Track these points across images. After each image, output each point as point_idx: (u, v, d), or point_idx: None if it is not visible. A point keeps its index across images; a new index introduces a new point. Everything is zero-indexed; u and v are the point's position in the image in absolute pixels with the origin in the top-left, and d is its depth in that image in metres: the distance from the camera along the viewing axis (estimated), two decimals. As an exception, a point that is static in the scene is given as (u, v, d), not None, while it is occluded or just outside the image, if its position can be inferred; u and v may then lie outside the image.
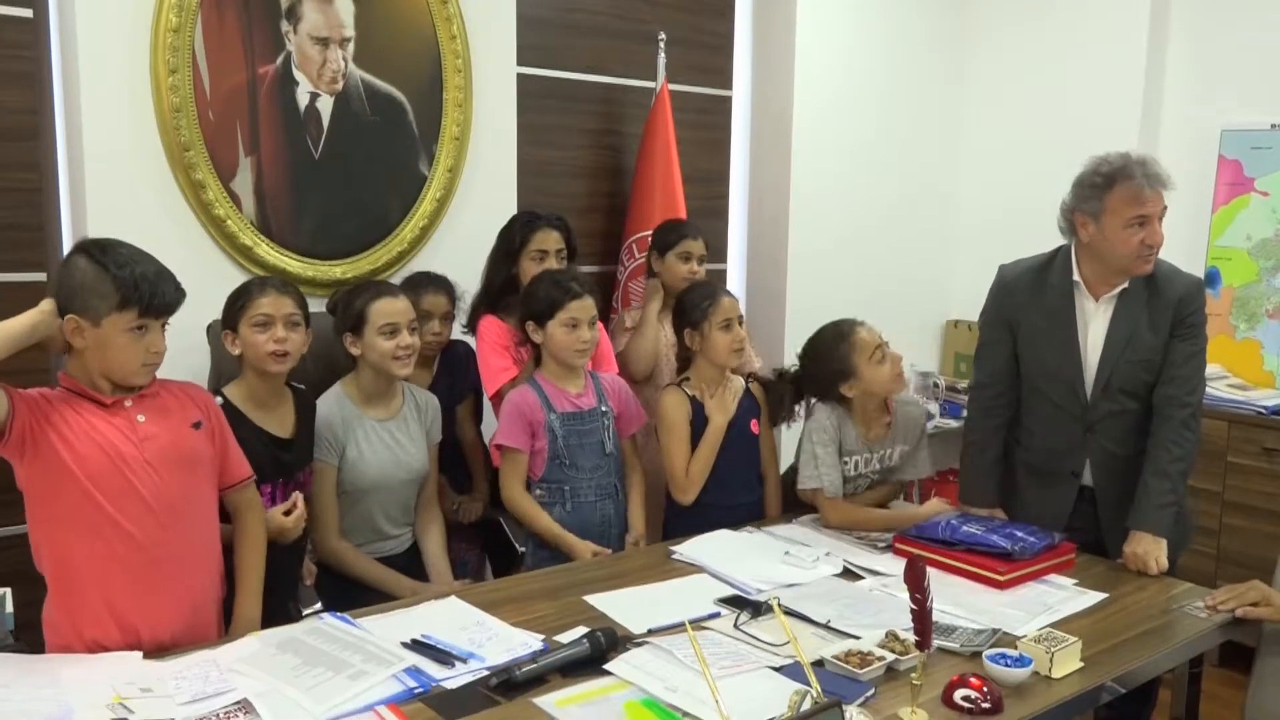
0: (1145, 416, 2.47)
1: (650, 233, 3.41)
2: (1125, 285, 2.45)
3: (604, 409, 2.62)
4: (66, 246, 2.69)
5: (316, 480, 2.39)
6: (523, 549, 2.65)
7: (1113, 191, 2.35)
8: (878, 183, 4.33)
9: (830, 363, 2.63)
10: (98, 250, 1.85)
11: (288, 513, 2.23)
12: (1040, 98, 4.33)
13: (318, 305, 2.77)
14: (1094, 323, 2.48)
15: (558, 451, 2.54)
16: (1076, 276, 2.49)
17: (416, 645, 1.86)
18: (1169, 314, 2.42)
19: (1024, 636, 1.90)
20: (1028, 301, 2.55)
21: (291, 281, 2.83)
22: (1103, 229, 2.38)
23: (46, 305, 1.84)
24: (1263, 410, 3.55)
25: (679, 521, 2.69)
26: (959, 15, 4.55)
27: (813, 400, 2.74)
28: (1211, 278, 3.99)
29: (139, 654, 1.83)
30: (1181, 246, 3.90)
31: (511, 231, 2.91)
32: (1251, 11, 3.89)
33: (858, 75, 4.22)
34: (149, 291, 1.84)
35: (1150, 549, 2.34)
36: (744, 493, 2.74)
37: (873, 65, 4.27)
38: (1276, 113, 3.82)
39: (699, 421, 2.67)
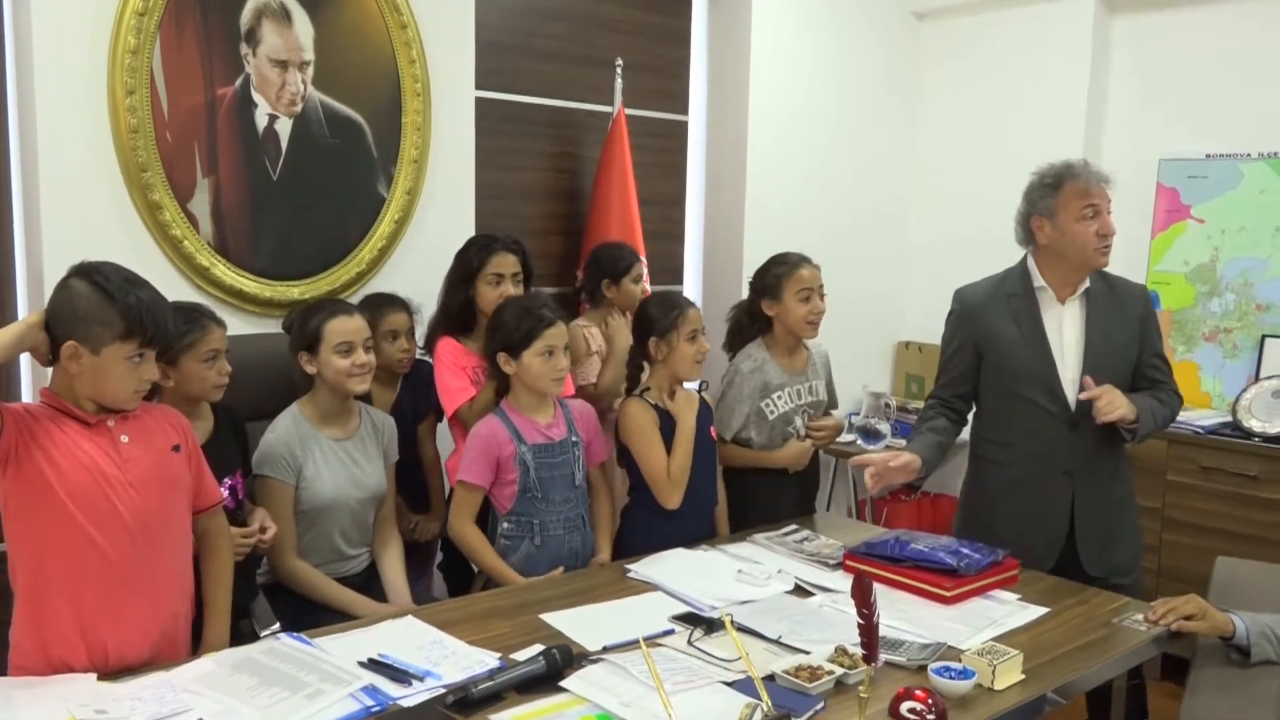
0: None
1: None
2: (1087, 285, 2.59)
3: (574, 439, 2.58)
4: (21, 268, 2.69)
5: (274, 500, 2.40)
6: (477, 570, 2.66)
7: (1063, 189, 2.54)
8: (831, 207, 4.42)
9: (765, 276, 2.94)
10: (100, 277, 1.84)
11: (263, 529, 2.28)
12: (987, 127, 4.45)
13: (273, 326, 2.79)
14: (1066, 323, 2.60)
15: (529, 485, 2.49)
16: (1040, 283, 2.61)
17: (373, 664, 1.87)
18: (1134, 312, 2.62)
19: (968, 650, 1.95)
20: (992, 316, 2.66)
21: (250, 301, 2.87)
22: (1059, 226, 2.54)
23: (34, 318, 1.84)
24: (1200, 430, 3.66)
25: (645, 533, 2.68)
26: (910, 47, 4.67)
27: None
28: (1151, 301, 4.11)
29: (94, 675, 1.83)
30: (1123, 271, 4.02)
31: (468, 255, 2.91)
32: (1187, 46, 4.03)
33: (811, 102, 4.32)
34: (153, 324, 1.85)
35: (1115, 399, 2.44)
36: (709, 498, 2.80)
37: (826, 93, 4.37)
38: (1211, 143, 3.96)
39: (666, 429, 2.68)
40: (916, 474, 2.60)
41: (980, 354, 2.69)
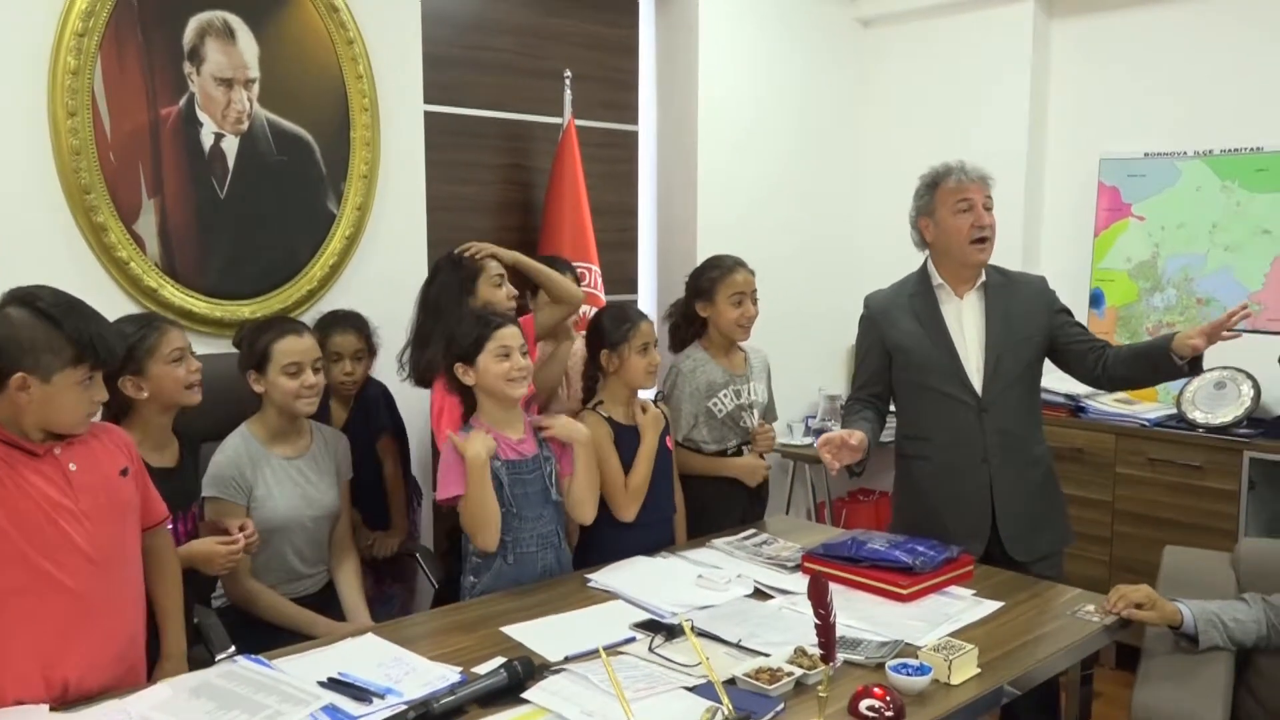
0: (1029, 394, 2.71)
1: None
2: (984, 279, 2.70)
3: (546, 454, 2.51)
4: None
5: (225, 521, 2.37)
6: (436, 586, 2.64)
7: (938, 189, 2.69)
8: (782, 213, 4.47)
9: (700, 279, 3.00)
10: (40, 303, 1.80)
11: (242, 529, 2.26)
12: (932, 131, 4.52)
13: (224, 346, 2.77)
14: (966, 315, 2.70)
15: (504, 500, 2.40)
16: (938, 280, 2.72)
17: (333, 683, 1.86)
18: (1036, 302, 2.71)
19: (924, 646, 1.98)
20: (896, 317, 2.75)
21: (199, 321, 2.84)
22: (938, 223, 2.68)
23: None
24: (1146, 423, 3.74)
25: (605, 544, 2.67)
26: (856, 53, 4.73)
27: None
28: (1096, 298, 4.21)
29: (45, 707, 1.80)
30: (1067, 269, 4.14)
31: (459, 267, 2.82)
32: (1124, 49, 4.13)
33: (761, 110, 4.36)
34: (103, 347, 1.83)
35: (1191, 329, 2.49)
36: (666, 507, 2.81)
37: (775, 101, 4.42)
38: (1149, 142, 4.06)
39: (620, 442, 2.68)
40: (864, 452, 2.63)
41: (890, 354, 2.77)
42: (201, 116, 2.87)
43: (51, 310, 1.80)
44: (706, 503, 2.95)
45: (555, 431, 2.51)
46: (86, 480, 1.88)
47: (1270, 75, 3.77)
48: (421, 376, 2.80)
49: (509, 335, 2.44)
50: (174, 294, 2.83)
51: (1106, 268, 4.18)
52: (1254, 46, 3.80)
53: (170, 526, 2.24)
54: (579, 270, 3.46)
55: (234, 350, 2.59)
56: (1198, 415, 3.65)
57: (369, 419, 2.95)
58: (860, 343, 2.88)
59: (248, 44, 2.94)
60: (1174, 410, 3.76)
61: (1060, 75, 4.33)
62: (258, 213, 3.00)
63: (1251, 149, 3.81)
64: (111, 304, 2.70)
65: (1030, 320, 2.69)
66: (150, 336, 2.25)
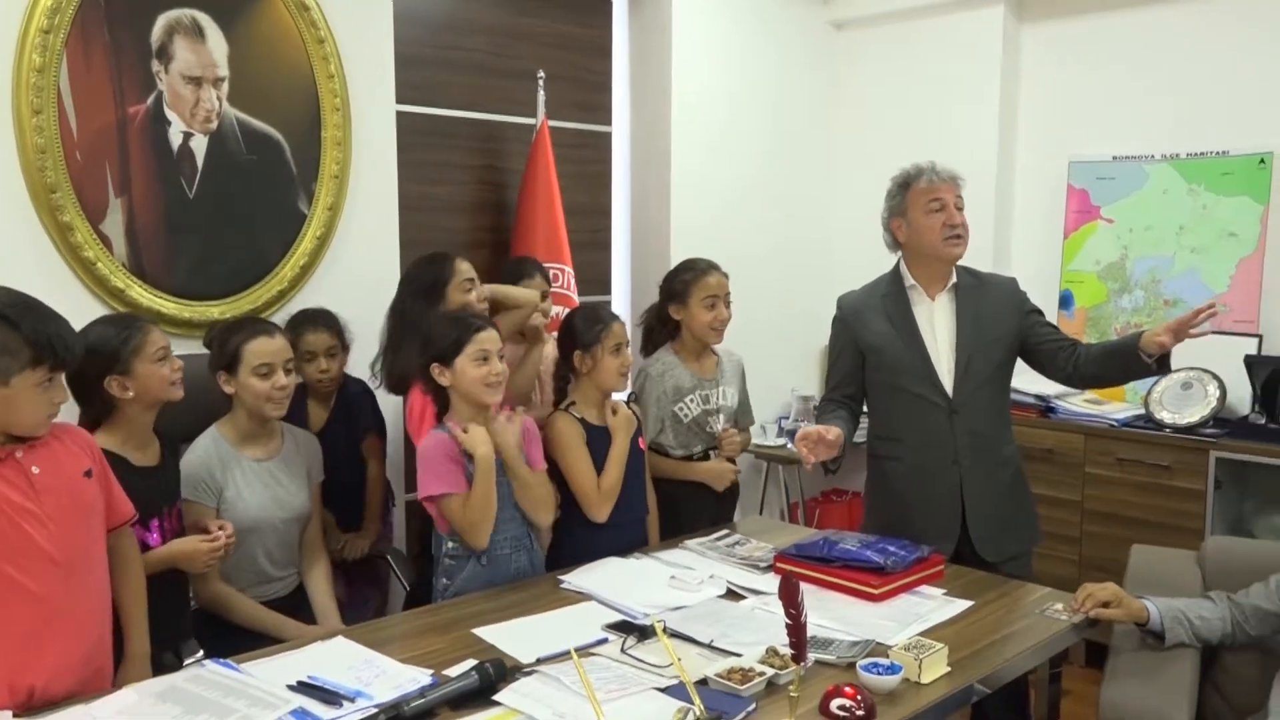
0: (1000, 395, 2.73)
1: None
2: (955, 280, 2.72)
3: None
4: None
5: (206, 521, 2.35)
6: (408, 588, 2.62)
7: (910, 189, 2.72)
8: (756, 214, 4.48)
9: (673, 282, 3.00)
10: None
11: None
12: (903, 133, 4.54)
13: (194, 347, 2.74)
14: (937, 316, 2.72)
15: None
16: (911, 281, 2.74)
17: (303, 687, 1.84)
18: (1006, 304, 2.73)
19: (895, 645, 1.99)
20: (868, 318, 2.77)
21: (168, 322, 2.81)
22: (911, 222, 2.70)
23: None
24: (1115, 423, 3.78)
25: (578, 546, 2.66)
26: (828, 56, 4.75)
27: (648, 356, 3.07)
28: (1066, 300, 4.25)
29: (9, 713, 1.77)
30: (1037, 270, 4.17)
31: (429, 271, 2.80)
32: (1093, 53, 4.18)
33: (734, 111, 4.37)
34: (62, 347, 1.81)
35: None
36: (639, 508, 2.80)
37: (748, 102, 4.43)
38: (1118, 145, 4.10)
39: (593, 443, 2.68)
40: (840, 449, 2.63)
41: (862, 355, 2.79)
42: (170, 115, 2.84)
43: (8, 311, 1.78)
44: (673, 506, 2.95)
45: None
46: (49, 482, 1.86)
47: (1235, 80, 3.82)
48: (396, 384, 2.78)
49: (488, 339, 2.42)
50: (142, 294, 2.80)
51: (1076, 269, 4.23)
52: (1221, 52, 3.85)
53: (155, 523, 2.24)
54: (551, 271, 3.46)
55: (204, 350, 2.57)
56: (1165, 415, 3.69)
57: (353, 418, 2.92)
58: (833, 344, 2.90)
59: (217, 42, 2.91)
60: (1142, 410, 3.80)
61: (1030, 79, 4.37)
62: (227, 212, 2.97)
63: (1217, 153, 3.86)
64: (78, 305, 2.67)
65: (1000, 322, 2.71)
66: (135, 337, 2.22)
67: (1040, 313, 2.79)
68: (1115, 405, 3.98)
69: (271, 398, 2.41)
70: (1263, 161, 3.75)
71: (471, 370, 2.39)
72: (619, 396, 2.87)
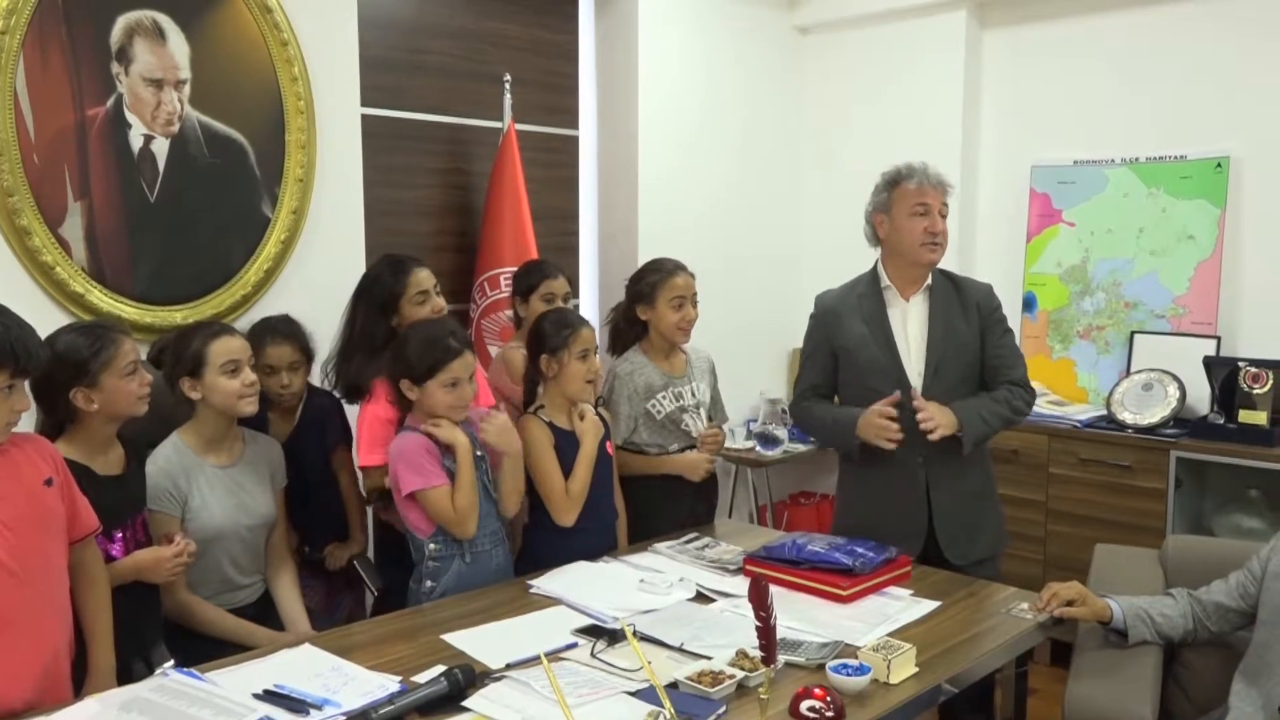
0: (969, 398, 2.71)
1: (502, 270, 3.44)
2: (930, 284, 2.73)
3: (479, 453, 2.49)
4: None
5: (170, 531, 2.31)
6: (375, 594, 2.60)
7: (898, 187, 2.72)
8: (723, 218, 4.49)
9: (640, 283, 3.00)
10: None
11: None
12: (868, 138, 4.58)
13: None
14: (911, 318, 2.74)
15: None
16: (886, 282, 2.75)
17: (269, 695, 1.83)
18: (974, 311, 2.74)
19: (864, 646, 2.00)
20: (843, 317, 2.78)
21: (128, 327, 2.76)
22: (893, 221, 2.71)
23: None
24: (1078, 424, 3.83)
25: (547, 550, 2.65)
26: (794, 61, 4.78)
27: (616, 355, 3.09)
28: (1029, 302, 4.30)
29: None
30: (1001, 273, 4.21)
31: (383, 280, 2.75)
32: (1054, 58, 4.23)
33: (701, 116, 4.38)
34: (24, 352, 1.77)
35: (940, 417, 2.56)
36: (608, 513, 2.80)
37: (714, 107, 4.44)
38: (1079, 150, 4.16)
39: (561, 447, 2.67)
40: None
41: (836, 354, 2.80)
42: (130, 118, 2.80)
43: None
44: (651, 503, 2.94)
45: (488, 437, 2.50)
46: (6, 490, 1.83)
47: (1193, 85, 3.89)
48: (347, 391, 2.78)
49: (461, 367, 2.44)
50: (102, 299, 2.76)
51: (1038, 272, 4.28)
52: (1179, 57, 3.91)
53: (118, 535, 2.19)
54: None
55: (150, 359, 2.52)
56: (1127, 416, 3.74)
57: (322, 432, 2.86)
58: (808, 341, 2.90)
59: (178, 44, 2.87)
60: (1104, 411, 3.85)
61: (993, 84, 4.42)
62: (189, 217, 2.94)
63: (1176, 157, 3.92)
64: (36, 309, 2.63)
65: (970, 328, 2.73)
66: (105, 350, 2.15)
67: (1004, 323, 2.77)
68: (1078, 406, 4.03)
69: (243, 395, 2.37)
70: (1219, 165, 3.81)
71: (440, 395, 2.43)
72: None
